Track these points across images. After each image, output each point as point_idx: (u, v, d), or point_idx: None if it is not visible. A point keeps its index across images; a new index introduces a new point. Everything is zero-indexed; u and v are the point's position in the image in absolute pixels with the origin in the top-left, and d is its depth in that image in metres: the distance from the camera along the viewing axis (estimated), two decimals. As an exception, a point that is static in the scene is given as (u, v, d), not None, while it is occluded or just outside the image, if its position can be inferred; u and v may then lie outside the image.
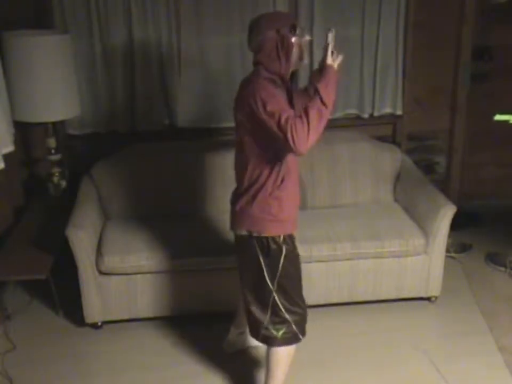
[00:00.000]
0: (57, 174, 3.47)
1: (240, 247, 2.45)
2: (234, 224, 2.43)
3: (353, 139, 3.62)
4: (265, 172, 2.27)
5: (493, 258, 3.72)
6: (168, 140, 3.67)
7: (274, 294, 2.36)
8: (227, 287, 3.08)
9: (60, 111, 3.22)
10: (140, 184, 3.43)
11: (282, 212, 2.33)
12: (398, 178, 3.62)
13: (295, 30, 2.24)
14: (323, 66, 2.25)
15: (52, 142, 3.41)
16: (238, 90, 2.33)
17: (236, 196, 2.42)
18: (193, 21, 3.51)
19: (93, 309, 3.09)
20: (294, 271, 2.42)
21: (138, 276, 3.07)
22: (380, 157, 3.59)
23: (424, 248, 3.18)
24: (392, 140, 3.91)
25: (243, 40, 3.56)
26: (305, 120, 2.08)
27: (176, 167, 3.45)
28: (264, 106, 2.11)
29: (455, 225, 3.27)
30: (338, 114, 3.82)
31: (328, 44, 2.26)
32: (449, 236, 3.23)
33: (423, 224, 3.23)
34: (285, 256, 2.34)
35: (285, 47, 2.23)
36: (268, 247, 2.32)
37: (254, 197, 2.30)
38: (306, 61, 2.36)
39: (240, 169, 2.38)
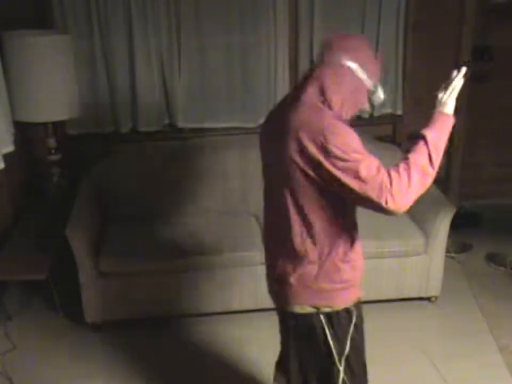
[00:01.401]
0: (57, 174, 3.46)
1: (296, 327, 1.94)
2: (288, 299, 1.90)
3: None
4: (333, 232, 1.81)
5: (493, 258, 3.72)
6: (168, 140, 3.67)
7: (342, 375, 1.94)
8: (227, 287, 3.08)
9: (60, 111, 3.22)
10: (140, 184, 3.43)
11: (355, 275, 1.90)
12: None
13: (372, 92, 1.88)
14: (437, 107, 1.83)
15: (51, 142, 3.40)
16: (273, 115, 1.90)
17: (284, 267, 1.88)
18: (193, 21, 3.51)
19: (93, 309, 3.08)
20: (361, 343, 2.00)
21: (138, 276, 3.07)
22: (380, 157, 3.57)
23: (424, 248, 3.18)
24: (392, 139, 3.91)
25: (243, 40, 3.59)
26: (405, 178, 1.73)
27: (176, 167, 3.45)
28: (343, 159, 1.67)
29: (455, 225, 3.26)
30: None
31: (452, 80, 1.90)
32: (449, 236, 3.22)
33: (423, 224, 3.23)
34: (355, 325, 1.91)
35: (356, 86, 1.82)
36: (338, 319, 1.88)
37: (320, 265, 1.83)
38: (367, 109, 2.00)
39: (285, 234, 1.84)
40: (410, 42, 3.73)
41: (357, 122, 4.04)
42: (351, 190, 1.68)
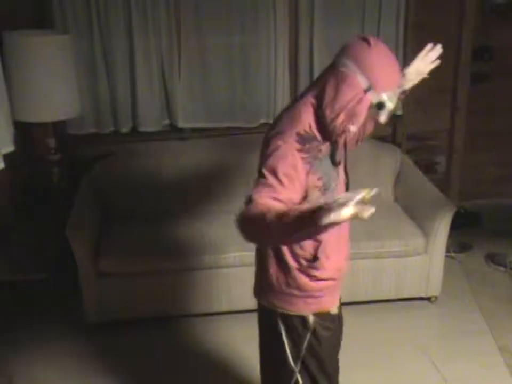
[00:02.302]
0: (57, 174, 3.46)
1: (261, 320, 2.01)
2: (256, 290, 1.98)
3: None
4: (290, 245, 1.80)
5: (493, 258, 3.72)
6: (168, 139, 3.67)
7: (297, 379, 1.93)
8: (228, 287, 3.08)
9: (60, 111, 3.22)
10: (140, 184, 3.43)
11: (318, 288, 1.87)
12: (398, 178, 3.62)
13: (379, 106, 1.68)
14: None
15: (51, 142, 3.40)
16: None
17: (256, 260, 1.94)
18: (193, 21, 3.51)
19: (93, 309, 3.08)
20: (325, 352, 1.95)
21: (138, 276, 3.07)
22: (380, 157, 3.59)
23: (424, 248, 3.18)
24: (392, 140, 3.91)
25: (243, 40, 3.58)
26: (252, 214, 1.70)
27: (176, 167, 3.45)
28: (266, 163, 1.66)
29: (455, 225, 3.26)
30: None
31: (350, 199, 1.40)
32: (449, 236, 3.22)
33: (423, 224, 3.23)
34: (313, 333, 1.89)
35: (356, 112, 1.67)
36: (292, 323, 1.88)
37: (280, 270, 1.85)
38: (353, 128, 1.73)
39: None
40: (410, 42, 3.72)
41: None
42: None
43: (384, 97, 1.67)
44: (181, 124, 3.69)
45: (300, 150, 1.67)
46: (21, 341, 3.07)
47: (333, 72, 1.69)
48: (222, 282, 3.09)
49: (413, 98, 3.88)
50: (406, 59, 3.76)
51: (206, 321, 3.18)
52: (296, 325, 1.87)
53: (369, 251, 3.14)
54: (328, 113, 1.68)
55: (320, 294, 1.88)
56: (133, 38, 3.45)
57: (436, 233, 3.15)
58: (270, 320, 1.91)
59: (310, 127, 1.70)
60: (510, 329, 3.13)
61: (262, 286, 1.93)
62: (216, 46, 3.59)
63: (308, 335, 1.88)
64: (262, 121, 3.78)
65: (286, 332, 1.89)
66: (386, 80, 1.67)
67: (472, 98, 3.95)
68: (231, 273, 3.08)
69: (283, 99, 3.70)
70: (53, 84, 3.12)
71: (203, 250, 3.09)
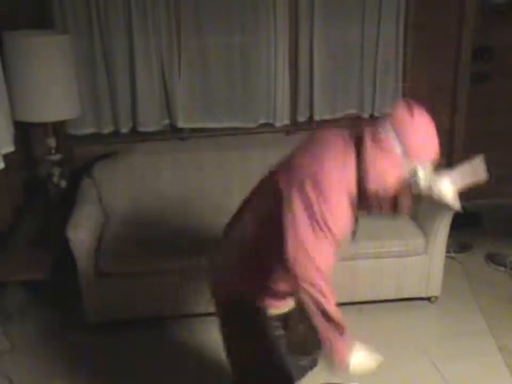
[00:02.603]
0: (57, 174, 3.46)
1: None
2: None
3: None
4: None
5: (493, 258, 3.72)
6: (168, 139, 3.67)
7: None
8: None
9: (60, 111, 3.22)
10: (140, 184, 3.43)
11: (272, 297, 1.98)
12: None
13: (413, 177, 1.74)
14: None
15: (51, 142, 3.40)
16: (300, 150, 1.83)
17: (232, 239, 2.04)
18: (193, 21, 3.51)
19: (93, 309, 3.08)
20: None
21: (138, 276, 3.06)
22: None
23: (424, 248, 3.18)
24: (392, 140, 3.90)
25: (243, 40, 3.58)
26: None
27: (176, 167, 3.45)
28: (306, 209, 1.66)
29: (455, 225, 3.26)
30: (338, 114, 3.83)
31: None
32: (449, 236, 3.22)
33: (423, 224, 3.23)
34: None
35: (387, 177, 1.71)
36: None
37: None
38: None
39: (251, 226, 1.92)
40: (410, 42, 3.73)
41: (357, 122, 4.06)
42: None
43: (417, 166, 1.72)
44: (181, 124, 3.69)
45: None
46: (21, 341, 3.07)
47: (372, 131, 1.73)
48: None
49: (413, 98, 3.88)
50: (405, 59, 3.76)
51: (206, 321, 3.18)
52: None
53: (369, 251, 3.14)
54: (366, 179, 1.72)
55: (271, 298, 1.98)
56: (133, 38, 3.45)
57: (436, 233, 3.15)
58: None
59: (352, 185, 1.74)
60: (510, 329, 3.13)
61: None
62: (216, 46, 3.59)
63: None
64: (262, 121, 3.78)
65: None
66: (421, 150, 1.73)
67: (472, 98, 3.95)
68: (231, 273, 3.08)
69: (283, 99, 3.70)
70: (53, 84, 3.12)
71: (203, 250, 3.08)
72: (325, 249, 1.68)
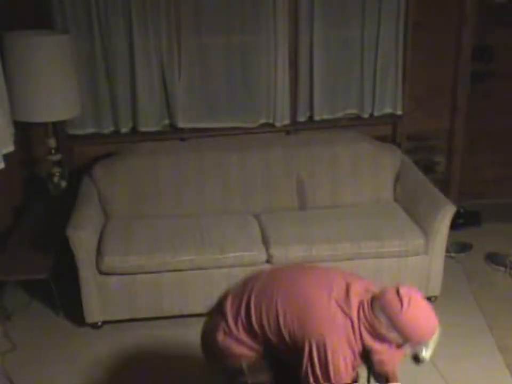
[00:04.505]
0: (57, 174, 3.46)
1: None
2: None
3: (353, 139, 3.62)
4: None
5: (493, 258, 3.72)
6: (168, 139, 3.67)
7: None
8: (228, 287, 3.07)
9: (60, 111, 3.22)
10: (140, 184, 3.43)
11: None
12: (398, 178, 3.62)
13: (415, 354, 1.92)
14: None
15: (51, 142, 3.40)
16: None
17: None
18: (193, 21, 3.51)
19: (93, 309, 3.08)
20: None
21: (138, 276, 3.06)
22: (380, 157, 3.59)
23: (424, 248, 3.18)
24: (392, 140, 3.91)
25: (243, 40, 3.58)
26: None
27: (176, 167, 3.45)
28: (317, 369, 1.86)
29: (455, 225, 3.26)
30: (339, 114, 3.83)
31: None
32: (449, 236, 3.22)
33: (423, 224, 3.23)
34: None
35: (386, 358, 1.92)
36: None
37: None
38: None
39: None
40: (410, 42, 3.73)
41: (357, 122, 4.06)
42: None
43: (419, 349, 1.86)
44: (181, 124, 3.69)
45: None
46: (20, 340, 3.07)
47: (371, 317, 1.83)
48: (222, 282, 3.09)
49: (413, 98, 3.89)
50: (405, 59, 3.76)
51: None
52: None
53: (369, 251, 3.14)
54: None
55: None
56: (133, 38, 3.45)
57: (436, 233, 3.15)
58: None
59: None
60: (510, 329, 3.13)
61: None
62: (216, 46, 3.59)
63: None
64: (262, 121, 3.78)
65: None
66: (420, 335, 1.84)
67: (472, 98, 3.95)
68: (231, 273, 3.08)
69: (283, 99, 3.70)
70: (53, 84, 3.12)
71: (203, 250, 3.09)
72: None
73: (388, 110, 3.87)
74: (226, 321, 2.06)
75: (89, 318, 3.11)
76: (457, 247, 3.79)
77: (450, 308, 3.31)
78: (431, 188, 3.37)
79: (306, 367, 1.86)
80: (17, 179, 3.59)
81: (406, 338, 1.81)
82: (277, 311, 1.93)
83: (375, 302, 1.84)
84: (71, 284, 3.13)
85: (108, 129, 3.65)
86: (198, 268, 3.09)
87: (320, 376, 1.86)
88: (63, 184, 3.50)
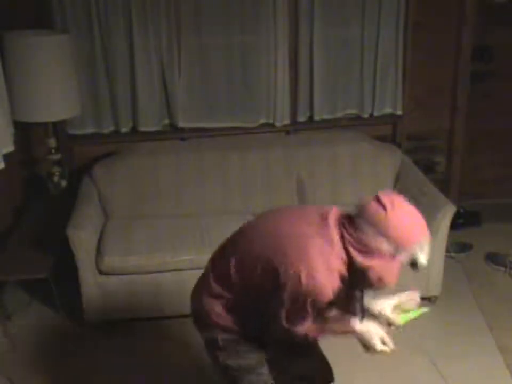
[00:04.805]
0: (57, 174, 3.46)
1: None
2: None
3: (353, 139, 3.62)
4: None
5: (493, 258, 3.72)
6: (168, 139, 3.67)
7: None
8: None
9: (60, 111, 3.22)
10: (140, 184, 3.43)
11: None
12: (398, 178, 3.62)
13: (412, 261, 1.73)
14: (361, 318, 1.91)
15: (51, 142, 3.40)
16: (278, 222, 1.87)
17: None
18: (193, 21, 3.51)
19: (93, 309, 3.08)
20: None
21: (138, 275, 3.06)
22: (380, 157, 3.59)
23: (424, 248, 3.17)
24: (392, 140, 3.91)
25: (243, 40, 3.58)
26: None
27: (176, 167, 3.45)
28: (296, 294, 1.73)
29: (455, 225, 3.26)
30: (339, 114, 3.83)
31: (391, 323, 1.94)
32: (449, 236, 3.22)
33: (423, 224, 3.23)
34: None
35: (383, 275, 1.74)
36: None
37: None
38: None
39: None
40: (410, 42, 3.73)
41: (357, 122, 4.06)
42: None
43: (415, 253, 1.70)
44: (181, 123, 3.69)
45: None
46: (20, 340, 3.07)
47: (357, 233, 1.71)
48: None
49: (413, 98, 3.89)
50: (405, 59, 3.76)
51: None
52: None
53: (369, 251, 3.13)
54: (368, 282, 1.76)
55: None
56: (133, 38, 3.45)
57: (436, 233, 3.15)
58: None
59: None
60: (510, 329, 3.13)
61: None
62: (216, 46, 3.59)
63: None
64: (262, 121, 3.78)
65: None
66: (410, 236, 1.69)
67: (472, 98, 3.95)
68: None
69: (283, 99, 3.70)
70: (53, 84, 3.12)
71: (203, 250, 3.08)
72: (308, 321, 1.80)
73: (387, 110, 3.87)
74: (208, 276, 2.05)
75: (89, 318, 3.11)
76: (457, 247, 3.78)
77: (450, 307, 3.31)
78: (431, 188, 3.37)
79: (278, 303, 1.77)
80: (17, 179, 3.59)
81: (397, 244, 1.67)
82: (253, 250, 1.87)
83: (357, 218, 1.74)
84: (71, 284, 3.13)
85: (108, 129, 3.65)
86: (198, 268, 3.06)
87: (289, 306, 1.76)
88: (63, 184, 3.50)
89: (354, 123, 3.86)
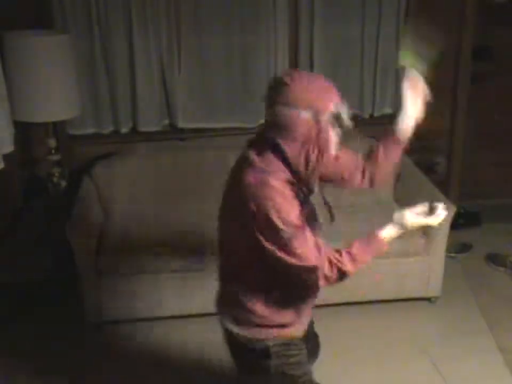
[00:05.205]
0: (57, 174, 3.46)
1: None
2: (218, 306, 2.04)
3: (353, 139, 3.62)
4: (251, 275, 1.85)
5: (493, 258, 3.72)
6: (168, 139, 3.67)
7: None
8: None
9: (60, 111, 3.22)
10: (140, 184, 3.43)
11: (278, 317, 1.88)
12: (398, 178, 3.62)
13: (337, 119, 1.72)
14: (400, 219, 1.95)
15: (51, 142, 3.40)
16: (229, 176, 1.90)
17: (224, 273, 2.00)
18: (193, 21, 3.51)
19: (93, 309, 3.09)
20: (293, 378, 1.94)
21: (138, 276, 3.07)
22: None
23: (424, 248, 3.18)
24: (392, 139, 3.90)
25: (243, 40, 3.58)
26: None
27: (176, 167, 3.45)
28: (275, 233, 1.64)
29: (455, 225, 3.26)
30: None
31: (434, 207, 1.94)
32: (449, 236, 3.22)
33: (423, 224, 3.23)
34: (276, 359, 1.88)
35: (319, 140, 1.66)
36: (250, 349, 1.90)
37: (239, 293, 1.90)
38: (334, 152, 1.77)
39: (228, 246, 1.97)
40: (410, 42, 3.72)
41: (357, 122, 4.04)
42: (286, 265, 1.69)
43: (334, 110, 1.69)
44: (181, 124, 3.69)
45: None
46: (21, 340, 3.07)
47: (277, 123, 1.67)
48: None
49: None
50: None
51: (206, 322, 3.17)
52: (256, 351, 1.88)
53: (369, 251, 3.14)
54: (301, 167, 1.70)
55: (278, 323, 1.87)
56: (133, 38, 3.45)
57: (436, 233, 3.15)
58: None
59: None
60: (510, 329, 3.13)
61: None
62: (216, 46, 3.59)
63: (271, 364, 1.88)
64: (262, 121, 3.77)
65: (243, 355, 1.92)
66: (321, 96, 1.66)
67: (472, 98, 3.95)
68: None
69: (283, 99, 3.69)
70: (53, 84, 3.12)
71: (203, 250, 3.08)
72: (302, 250, 1.69)
73: (387, 110, 3.87)
74: (225, 286, 2.05)
75: (89, 318, 3.11)
76: (457, 247, 3.79)
77: (450, 307, 3.31)
78: (431, 188, 3.37)
79: (282, 256, 1.68)
80: (17, 179, 3.59)
81: (311, 106, 1.62)
82: (228, 231, 1.95)
83: (268, 118, 1.72)
84: (71, 284, 3.13)
85: (108, 129, 3.65)
86: (198, 268, 3.09)
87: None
88: (63, 184, 3.49)
89: (354, 123, 3.84)
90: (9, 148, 2.95)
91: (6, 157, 2.90)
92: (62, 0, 3.33)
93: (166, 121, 3.71)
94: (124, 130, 3.66)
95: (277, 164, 1.70)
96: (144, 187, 3.43)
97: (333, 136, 1.72)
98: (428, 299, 3.34)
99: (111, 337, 3.11)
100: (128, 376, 2.86)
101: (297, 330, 1.94)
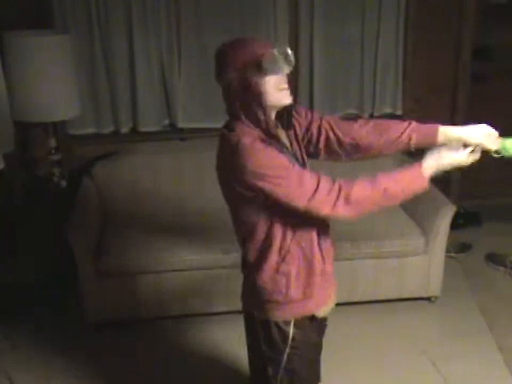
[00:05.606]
0: (57, 174, 3.46)
1: (246, 321, 2.02)
2: (243, 297, 1.98)
3: (353, 139, 3.62)
4: (262, 238, 1.83)
5: (493, 258, 3.72)
6: (168, 139, 3.67)
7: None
8: (228, 287, 3.07)
9: (60, 111, 3.21)
10: (140, 184, 3.43)
11: (297, 291, 1.82)
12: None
13: (260, 68, 1.73)
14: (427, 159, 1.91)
15: (52, 142, 3.40)
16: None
17: (244, 263, 1.94)
18: (193, 21, 3.51)
19: (93, 309, 3.08)
20: (307, 359, 1.94)
21: (138, 276, 3.07)
22: (380, 157, 3.58)
23: (424, 248, 3.18)
24: (392, 139, 3.90)
25: (243, 40, 3.58)
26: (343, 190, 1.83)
27: (176, 167, 3.45)
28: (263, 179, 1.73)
29: (455, 225, 3.26)
30: (339, 114, 3.83)
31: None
32: (449, 236, 3.22)
33: (423, 224, 3.23)
34: (293, 341, 1.86)
35: (252, 94, 1.77)
36: (270, 330, 1.85)
37: (256, 271, 1.84)
38: (288, 101, 1.79)
39: (241, 232, 1.96)
40: (410, 42, 3.73)
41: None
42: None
43: (278, 55, 1.74)
44: (181, 124, 3.69)
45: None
46: (21, 340, 3.07)
47: (223, 95, 1.90)
48: (222, 282, 3.09)
49: (413, 98, 3.89)
50: (405, 59, 3.76)
51: (206, 321, 3.18)
52: (275, 333, 1.85)
53: (369, 251, 3.14)
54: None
55: (298, 298, 1.84)
56: (133, 38, 3.45)
57: (436, 233, 3.15)
58: (251, 323, 1.95)
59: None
60: (510, 329, 3.13)
61: (244, 289, 1.96)
62: (216, 46, 3.57)
63: (288, 344, 1.86)
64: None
65: (263, 337, 1.88)
66: (249, 52, 1.81)
67: (472, 98, 3.95)
68: (231, 273, 3.08)
69: (283, 99, 3.69)
70: (53, 84, 3.12)
71: (203, 250, 3.09)
72: (299, 183, 1.77)
73: (387, 110, 3.87)
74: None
75: (89, 318, 3.11)
76: (457, 247, 3.79)
77: (450, 307, 3.31)
78: (431, 188, 3.36)
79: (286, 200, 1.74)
80: (17, 179, 3.59)
81: (253, 56, 1.79)
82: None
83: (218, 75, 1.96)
84: (71, 284, 3.13)
85: (108, 129, 3.66)
86: (198, 268, 3.09)
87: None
88: (63, 184, 3.49)
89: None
90: (9, 147, 2.95)
91: (6, 157, 2.90)
92: (62, 0, 3.33)
93: (166, 121, 3.72)
94: (124, 130, 3.66)
95: (241, 127, 1.85)
96: (144, 187, 3.43)
97: (270, 81, 1.76)
98: (428, 299, 3.34)
99: (111, 338, 3.11)
100: (128, 376, 2.86)
101: (317, 307, 1.90)
